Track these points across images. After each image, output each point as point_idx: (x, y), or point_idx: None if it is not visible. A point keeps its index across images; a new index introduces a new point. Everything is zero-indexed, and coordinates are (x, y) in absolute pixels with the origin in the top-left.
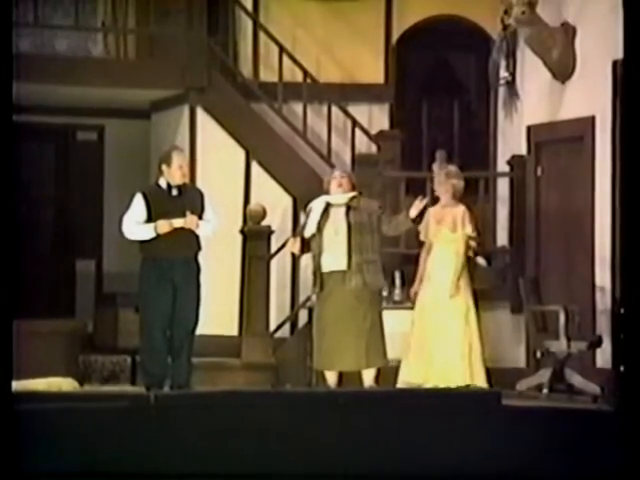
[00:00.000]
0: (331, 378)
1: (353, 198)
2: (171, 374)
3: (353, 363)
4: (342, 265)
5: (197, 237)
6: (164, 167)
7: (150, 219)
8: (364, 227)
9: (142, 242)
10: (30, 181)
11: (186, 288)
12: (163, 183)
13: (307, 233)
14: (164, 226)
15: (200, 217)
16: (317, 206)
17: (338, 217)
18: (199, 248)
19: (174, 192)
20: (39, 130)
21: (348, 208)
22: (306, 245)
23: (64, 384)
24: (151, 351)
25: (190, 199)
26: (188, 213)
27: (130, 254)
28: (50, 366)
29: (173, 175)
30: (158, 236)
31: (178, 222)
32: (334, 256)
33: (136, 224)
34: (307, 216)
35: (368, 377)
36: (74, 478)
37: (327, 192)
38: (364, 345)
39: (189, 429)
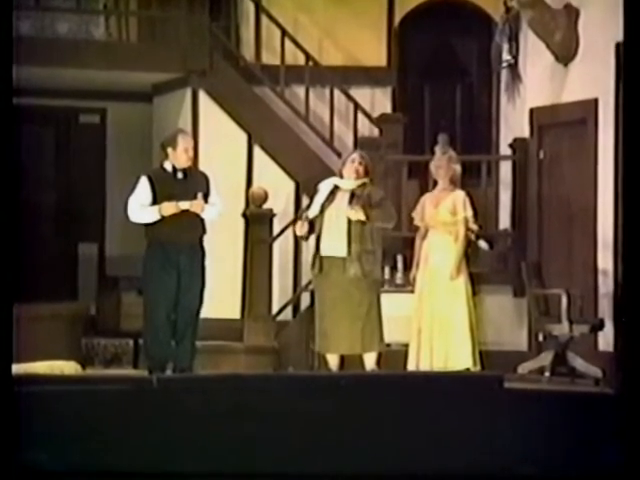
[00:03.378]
0: (333, 361)
1: (361, 185)
2: (174, 357)
3: (348, 347)
4: (341, 251)
5: (202, 221)
6: (170, 150)
7: (155, 202)
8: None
9: (147, 225)
10: (32, 164)
11: (190, 272)
12: (168, 166)
13: (311, 214)
14: (169, 208)
15: (205, 201)
16: (324, 187)
17: (342, 202)
18: (204, 232)
19: (179, 175)
20: (41, 113)
21: (352, 195)
22: (313, 228)
23: (66, 367)
24: (154, 334)
25: (195, 183)
26: (199, 195)
27: (132, 237)
28: (52, 349)
29: (179, 158)
30: (163, 219)
31: (184, 204)
32: (333, 241)
33: (141, 207)
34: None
35: (370, 361)
36: (76, 461)
37: (340, 173)
38: (359, 330)
39: (191, 412)
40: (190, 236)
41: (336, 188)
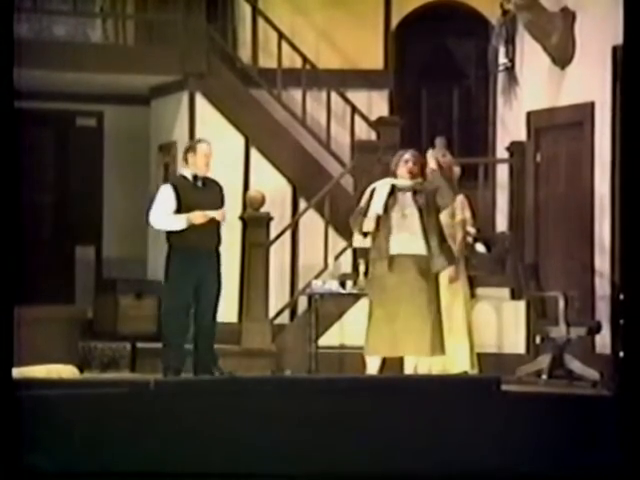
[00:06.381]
0: (374, 366)
1: (419, 183)
2: (195, 361)
3: (415, 349)
4: (419, 249)
5: (219, 229)
6: (190, 155)
7: (179, 210)
8: (430, 209)
9: (171, 232)
10: (30, 167)
11: (210, 278)
12: (188, 174)
13: (371, 213)
14: (199, 217)
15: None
16: (382, 188)
17: (406, 201)
18: (221, 239)
19: (199, 184)
20: (38, 116)
21: (414, 192)
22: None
23: (64, 371)
24: (171, 339)
25: (213, 191)
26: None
27: (129, 240)
28: (50, 352)
29: (198, 164)
30: (188, 227)
31: (212, 214)
32: (407, 240)
33: (167, 215)
34: (370, 197)
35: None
36: (74, 463)
37: (394, 174)
38: (430, 331)
39: (188, 415)
40: (210, 243)
41: (394, 188)
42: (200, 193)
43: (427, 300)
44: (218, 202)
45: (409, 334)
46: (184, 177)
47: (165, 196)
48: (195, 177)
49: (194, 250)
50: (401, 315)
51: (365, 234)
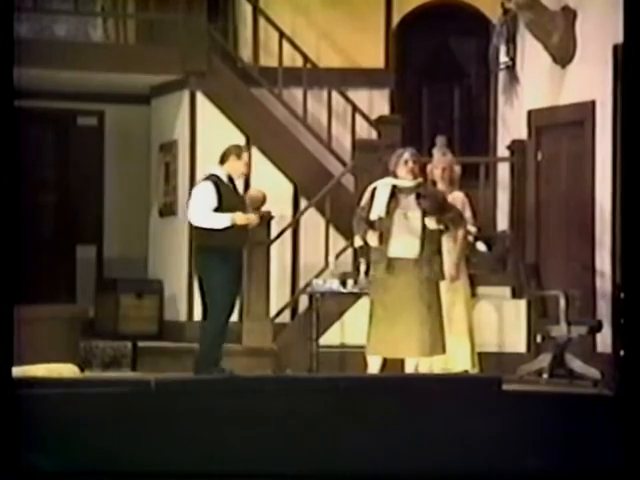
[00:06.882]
0: (375, 365)
1: (421, 184)
2: (197, 360)
3: (418, 350)
4: (414, 253)
5: (247, 229)
6: (232, 157)
7: (218, 209)
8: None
9: (210, 230)
10: (30, 166)
11: (239, 277)
12: (222, 174)
13: (373, 215)
14: (242, 218)
15: None
16: (383, 188)
17: (409, 203)
18: (247, 239)
19: (231, 185)
20: (39, 115)
21: (418, 195)
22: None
23: (65, 370)
24: (216, 338)
25: (239, 193)
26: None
27: (130, 240)
28: (50, 352)
29: (237, 168)
30: (229, 227)
31: (252, 216)
32: (405, 243)
33: (212, 212)
34: (371, 198)
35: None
36: (75, 463)
37: (393, 174)
38: (428, 332)
39: (189, 414)
40: (244, 243)
41: (395, 189)
42: (235, 194)
43: (428, 302)
44: (244, 204)
45: (409, 337)
46: (217, 176)
47: (208, 193)
48: (229, 178)
49: (233, 249)
50: (402, 317)
51: (366, 243)
